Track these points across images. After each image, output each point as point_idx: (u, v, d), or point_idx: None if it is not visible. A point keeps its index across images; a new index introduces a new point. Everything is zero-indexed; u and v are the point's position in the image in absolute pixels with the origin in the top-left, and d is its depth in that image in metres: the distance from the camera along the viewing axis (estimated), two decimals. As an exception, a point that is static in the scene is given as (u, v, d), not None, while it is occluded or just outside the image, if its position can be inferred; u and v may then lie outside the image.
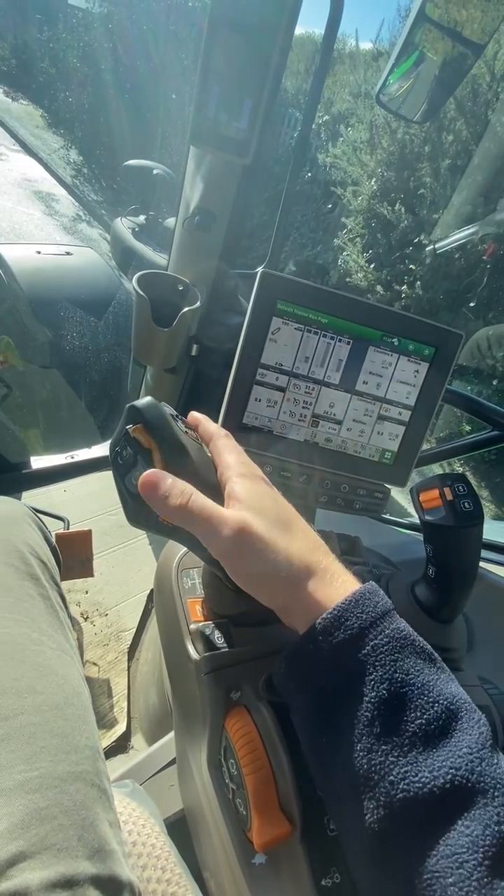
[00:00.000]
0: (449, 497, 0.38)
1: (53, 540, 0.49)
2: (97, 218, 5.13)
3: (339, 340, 0.48)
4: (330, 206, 3.98)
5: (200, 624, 0.36)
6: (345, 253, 3.63)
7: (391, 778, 0.23)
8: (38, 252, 1.68)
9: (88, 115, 6.13)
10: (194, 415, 0.37)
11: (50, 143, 6.72)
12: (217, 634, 0.35)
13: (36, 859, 0.28)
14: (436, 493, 0.39)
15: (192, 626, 0.37)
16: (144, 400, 0.29)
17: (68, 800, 0.31)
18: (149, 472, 0.27)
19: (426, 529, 0.40)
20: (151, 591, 1.02)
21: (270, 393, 0.49)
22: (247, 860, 0.30)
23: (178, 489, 0.28)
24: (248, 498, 0.30)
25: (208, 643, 0.35)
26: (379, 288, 3.31)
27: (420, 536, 0.68)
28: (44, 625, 0.39)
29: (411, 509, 1.18)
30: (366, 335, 0.48)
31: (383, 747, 0.24)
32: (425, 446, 0.55)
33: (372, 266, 3.37)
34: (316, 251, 3.99)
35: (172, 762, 0.60)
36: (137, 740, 0.84)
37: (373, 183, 3.35)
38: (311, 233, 4.17)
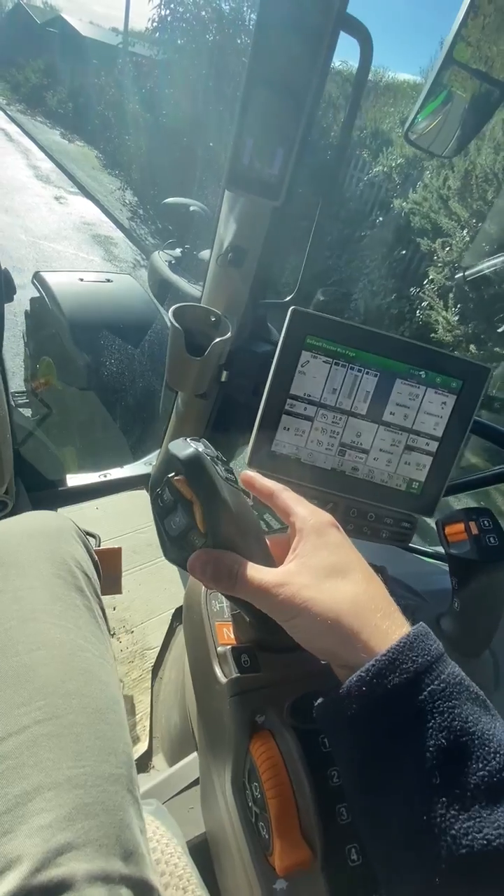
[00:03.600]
0: (474, 531, 0.39)
1: (95, 555, 0.52)
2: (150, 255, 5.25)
3: (367, 373, 0.50)
4: (404, 252, 3.76)
5: (228, 647, 0.38)
6: (424, 304, 3.39)
7: (452, 832, 0.22)
8: (81, 279, 1.79)
9: (145, 158, 6.29)
10: (247, 473, 0.39)
11: (106, 184, 6.92)
12: (244, 658, 0.36)
13: (81, 851, 0.29)
14: (461, 526, 0.40)
15: (220, 649, 0.38)
16: (187, 451, 0.29)
17: (109, 799, 0.32)
18: (195, 556, 0.29)
19: (451, 563, 0.40)
20: (176, 610, 1.04)
21: (299, 422, 0.51)
22: (268, 885, 0.31)
23: (225, 568, 0.29)
24: (306, 553, 0.31)
25: (235, 666, 0.36)
26: (472, 347, 3.07)
27: (446, 566, 0.67)
28: (88, 633, 0.41)
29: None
30: (393, 368, 0.50)
31: (443, 799, 0.23)
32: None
33: (457, 320, 3.13)
34: (389, 300, 3.75)
35: (192, 784, 0.60)
36: (158, 760, 0.84)
37: (465, 234, 3.14)
38: (382, 280, 3.91)
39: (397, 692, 0.25)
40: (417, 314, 3.51)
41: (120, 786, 0.33)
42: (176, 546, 0.31)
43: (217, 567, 0.29)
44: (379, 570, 0.50)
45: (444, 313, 3.23)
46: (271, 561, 0.33)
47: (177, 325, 0.70)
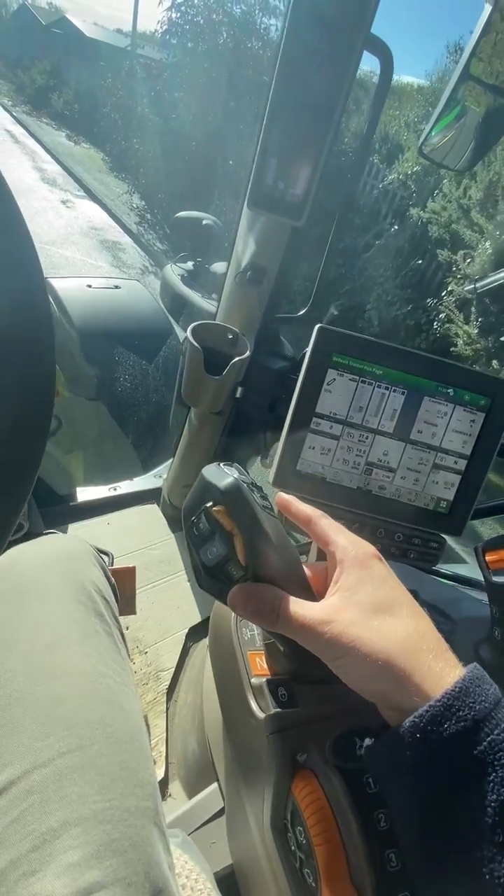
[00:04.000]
0: (517, 557, 0.37)
1: (112, 577, 0.51)
2: (163, 269, 5.17)
3: (394, 391, 0.49)
4: (420, 261, 3.66)
5: (263, 679, 0.36)
6: (441, 315, 3.31)
7: None
8: (89, 286, 1.78)
9: (152, 162, 6.12)
10: (282, 497, 0.38)
11: (113, 188, 6.76)
12: (281, 692, 0.35)
13: (109, 890, 0.28)
14: (503, 553, 0.39)
15: (254, 681, 0.37)
16: (227, 481, 0.28)
17: (136, 834, 0.31)
18: (235, 591, 0.28)
19: (493, 591, 0.39)
20: (190, 629, 1.02)
21: (324, 441, 0.50)
22: None
23: (266, 604, 0.28)
24: (350, 587, 0.30)
25: (273, 700, 0.35)
26: (494, 363, 2.98)
27: (474, 593, 0.66)
28: (108, 660, 0.40)
29: (464, 556, 1.14)
30: (420, 385, 0.49)
31: None
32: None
33: (477, 333, 3.03)
34: (404, 311, 3.64)
35: (214, 816, 0.58)
36: (175, 787, 0.82)
37: (488, 246, 3.06)
38: (398, 290, 3.81)
39: (455, 741, 0.23)
40: (435, 326, 3.40)
41: (147, 819, 0.33)
42: (212, 576, 0.30)
43: (259, 602, 0.28)
44: (411, 593, 0.49)
45: (464, 327, 3.14)
46: (311, 594, 0.31)
47: (196, 344, 0.70)
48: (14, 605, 0.42)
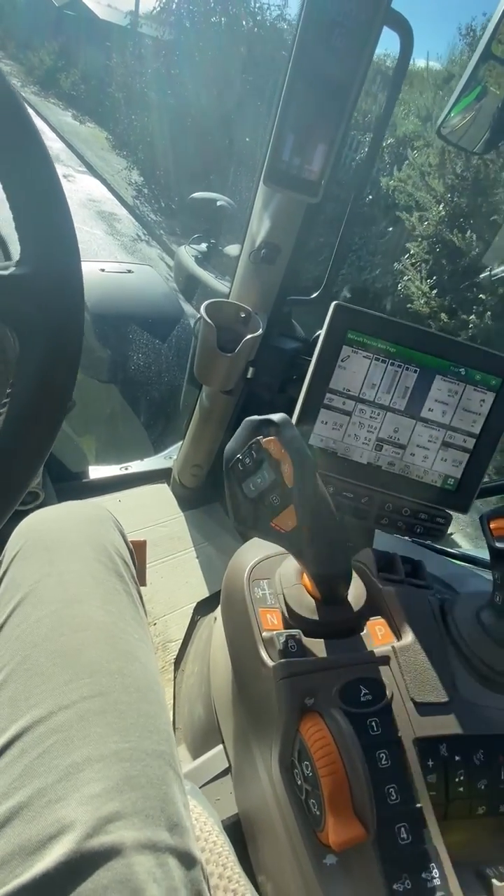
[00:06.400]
0: (520, 526, 0.39)
1: (131, 544, 0.53)
2: (156, 238, 5.34)
3: (407, 369, 0.50)
4: (390, 229, 3.86)
5: (274, 632, 0.38)
6: (405, 278, 3.51)
7: None
8: (103, 270, 1.78)
9: (150, 138, 6.36)
10: None
11: (113, 164, 6.97)
12: (291, 643, 0.37)
13: (129, 820, 0.30)
14: (507, 521, 0.40)
15: (265, 634, 0.39)
16: (278, 415, 0.33)
17: (153, 773, 0.33)
18: None
19: (495, 556, 0.41)
20: (198, 603, 1.05)
21: (337, 416, 0.51)
22: (318, 860, 0.31)
23: None
24: None
25: (282, 650, 0.37)
26: (443, 316, 3.18)
27: (478, 570, 0.67)
28: (128, 617, 0.42)
29: (462, 542, 1.15)
30: (433, 364, 0.50)
31: None
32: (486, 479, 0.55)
33: (435, 293, 3.28)
34: (374, 275, 3.88)
35: (219, 776, 0.61)
36: (181, 751, 0.85)
37: (441, 208, 3.27)
38: (369, 256, 4.08)
39: None
40: (399, 287, 3.64)
41: (163, 761, 0.35)
42: (251, 506, 0.33)
43: None
44: (416, 563, 0.50)
45: (418, 284, 3.37)
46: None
47: (209, 321, 0.71)
48: (41, 560, 0.44)
